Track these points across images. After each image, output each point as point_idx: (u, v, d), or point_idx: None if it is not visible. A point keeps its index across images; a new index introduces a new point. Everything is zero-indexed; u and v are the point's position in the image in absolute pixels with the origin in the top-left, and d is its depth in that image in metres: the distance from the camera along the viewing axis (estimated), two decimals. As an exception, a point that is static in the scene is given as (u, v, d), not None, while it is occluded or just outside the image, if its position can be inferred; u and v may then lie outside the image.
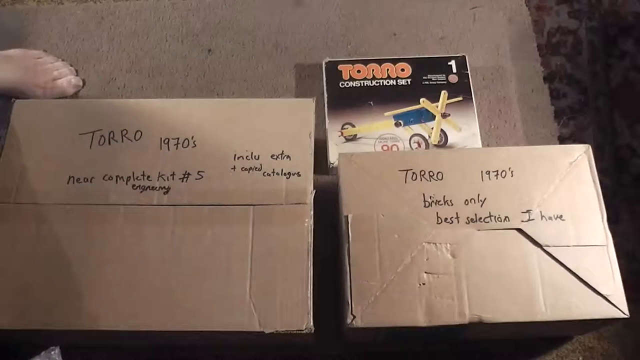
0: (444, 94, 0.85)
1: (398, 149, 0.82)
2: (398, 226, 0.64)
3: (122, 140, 0.70)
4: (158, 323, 0.61)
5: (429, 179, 0.66)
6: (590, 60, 0.93)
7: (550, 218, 0.64)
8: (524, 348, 0.74)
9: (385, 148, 0.82)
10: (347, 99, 0.85)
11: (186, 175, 0.68)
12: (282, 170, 0.68)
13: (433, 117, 0.84)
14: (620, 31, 0.95)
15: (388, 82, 0.87)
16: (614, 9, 0.97)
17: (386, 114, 0.85)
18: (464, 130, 0.84)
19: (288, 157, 0.69)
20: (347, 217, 0.64)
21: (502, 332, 0.68)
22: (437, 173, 0.67)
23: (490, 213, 0.65)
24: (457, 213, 0.65)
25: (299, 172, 0.68)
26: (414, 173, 0.67)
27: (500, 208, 0.65)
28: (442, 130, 0.84)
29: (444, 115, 0.84)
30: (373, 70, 0.87)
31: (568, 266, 0.62)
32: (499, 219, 0.64)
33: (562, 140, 0.87)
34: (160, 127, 0.71)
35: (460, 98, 0.85)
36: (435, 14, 0.97)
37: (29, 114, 0.72)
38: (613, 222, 0.68)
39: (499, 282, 0.61)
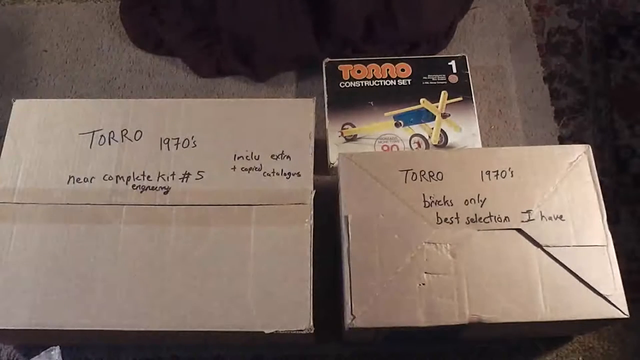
0: (444, 94, 0.85)
1: (398, 149, 0.82)
2: (398, 226, 0.64)
3: (122, 140, 0.70)
4: (158, 323, 0.61)
5: (429, 179, 0.66)
6: (590, 60, 0.93)
7: (550, 218, 0.64)
8: (524, 348, 0.74)
9: (385, 148, 0.82)
10: (347, 99, 0.85)
11: (186, 175, 0.68)
12: (282, 170, 0.68)
13: (433, 117, 0.84)
14: (620, 31, 0.95)
15: (388, 82, 0.86)
16: (614, 9, 0.97)
17: (386, 114, 0.84)
18: (464, 130, 0.83)
19: (288, 157, 0.69)
20: (347, 217, 0.64)
21: (502, 332, 0.68)
22: (437, 173, 0.67)
23: (490, 213, 0.64)
24: (457, 213, 0.65)
25: (299, 172, 0.68)
26: (414, 173, 0.67)
27: (500, 208, 0.65)
28: (442, 130, 0.84)
29: (444, 116, 0.84)
30: (373, 70, 0.87)
31: (568, 266, 0.62)
32: (499, 219, 0.64)
33: (562, 140, 0.87)
34: (160, 127, 0.71)
35: (460, 98, 0.85)
36: (435, 14, 0.97)
37: (29, 113, 0.72)
38: (613, 222, 0.68)
39: (499, 282, 0.61)
